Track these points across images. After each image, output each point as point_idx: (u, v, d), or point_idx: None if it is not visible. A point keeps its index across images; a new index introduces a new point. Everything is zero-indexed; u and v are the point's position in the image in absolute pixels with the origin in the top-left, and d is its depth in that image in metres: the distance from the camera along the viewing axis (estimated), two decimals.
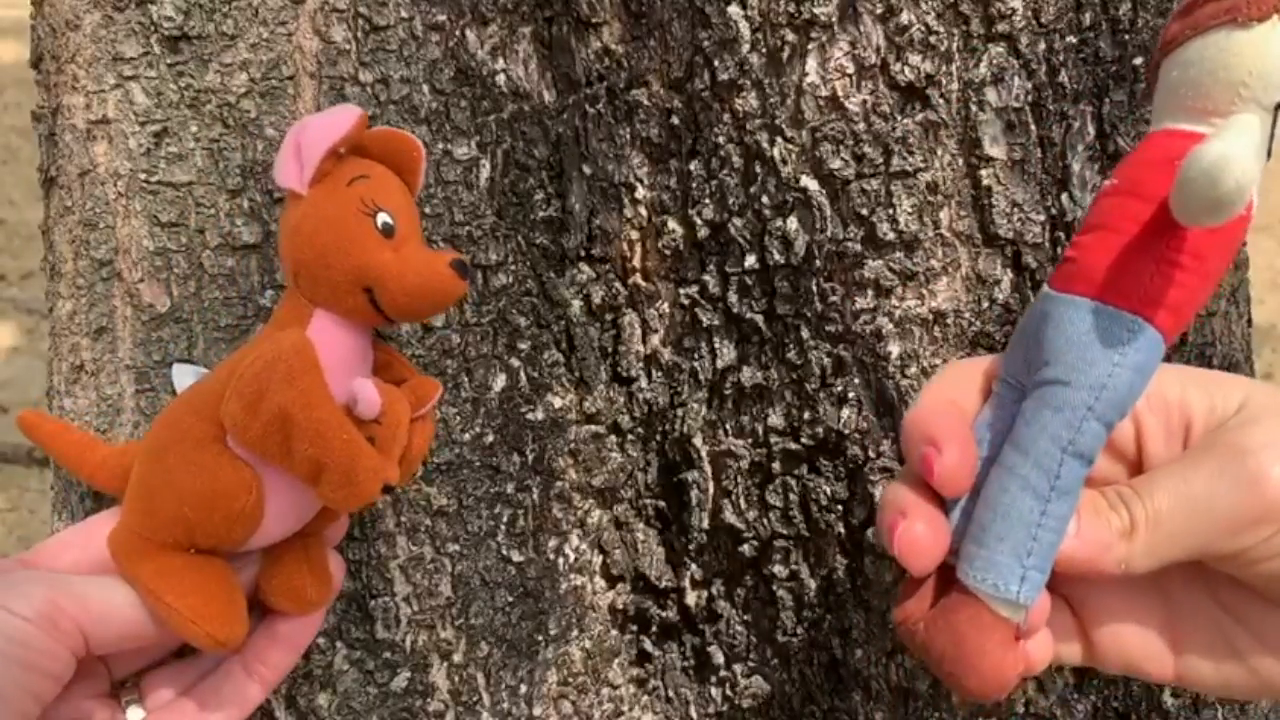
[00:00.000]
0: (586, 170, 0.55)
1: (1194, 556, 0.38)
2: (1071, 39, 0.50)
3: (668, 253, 0.55)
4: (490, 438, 0.54)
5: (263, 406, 0.39)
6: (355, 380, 0.41)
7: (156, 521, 0.42)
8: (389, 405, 0.41)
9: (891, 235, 0.51)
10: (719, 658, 0.58)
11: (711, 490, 0.56)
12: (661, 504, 0.58)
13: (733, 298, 0.54)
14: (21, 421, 0.49)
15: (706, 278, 0.54)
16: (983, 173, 0.51)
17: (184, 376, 0.48)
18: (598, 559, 0.58)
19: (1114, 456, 0.41)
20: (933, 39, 0.49)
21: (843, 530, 0.54)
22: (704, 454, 0.56)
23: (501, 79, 0.53)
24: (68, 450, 0.48)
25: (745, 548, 0.56)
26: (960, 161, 0.51)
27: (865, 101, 0.50)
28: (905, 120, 0.50)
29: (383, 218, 0.41)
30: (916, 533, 0.39)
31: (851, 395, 0.52)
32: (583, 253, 0.56)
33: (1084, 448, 0.38)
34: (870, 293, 0.51)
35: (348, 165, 0.41)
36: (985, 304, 0.51)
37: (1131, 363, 0.38)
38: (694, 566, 0.57)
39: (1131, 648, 0.43)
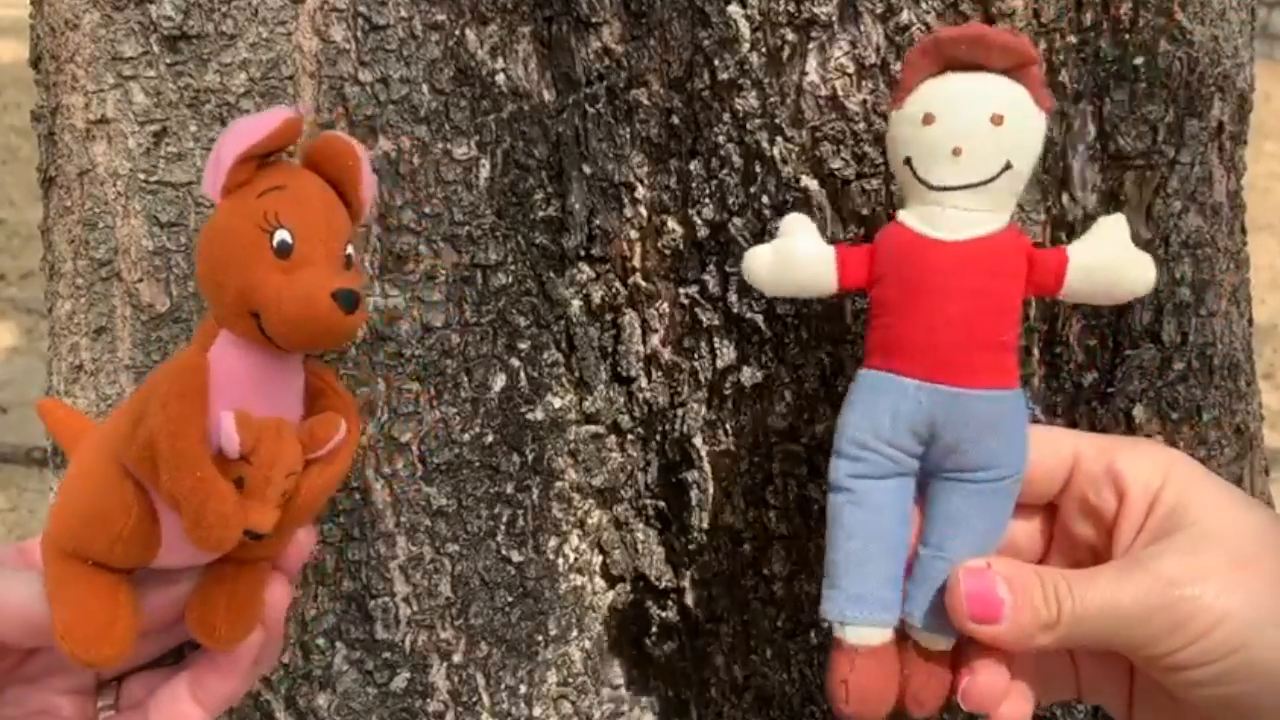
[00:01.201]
0: (586, 170, 0.54)
1: (1104, 650, 0.42)
2: (1072, 38, 0.50)
3: (668, 253, 0.55)
4: (490, 438, 0.54)
5: (139, 429, 0.36)
6: (221, 413, 0.37)
7: (57, 528, 0.40)
8: (261, 443, 0.37)
9: None
10: (719, 658, 0.58)
11: (711, 490, 0.56)
12: (661, 504, 0.58)
13: (733, 298, 0.54)
14: (40, 408, 0.49)
15: (706, 278, 0.54)
16: None
17: None
18: (598, 559, 0.58)
19: (1093, 521, 0.43)
20: None
21: None
22: (704, 454, 0.56)
23: (501, 78, 0.53)
24: (73, 440, 0.47)
25: (745, 548, 0.56)
26: None
27: (865, 101, 0.50)
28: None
29: (280, 235, 0.37)
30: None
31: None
32: (583, 253, 0.55)
33: None
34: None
35: (268, 174, 0.38)
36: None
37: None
38: (694, 566, 0.57)
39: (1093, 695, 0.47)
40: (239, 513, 0.37)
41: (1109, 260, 0.41)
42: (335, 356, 0.50)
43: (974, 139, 0.40)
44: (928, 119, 0.40)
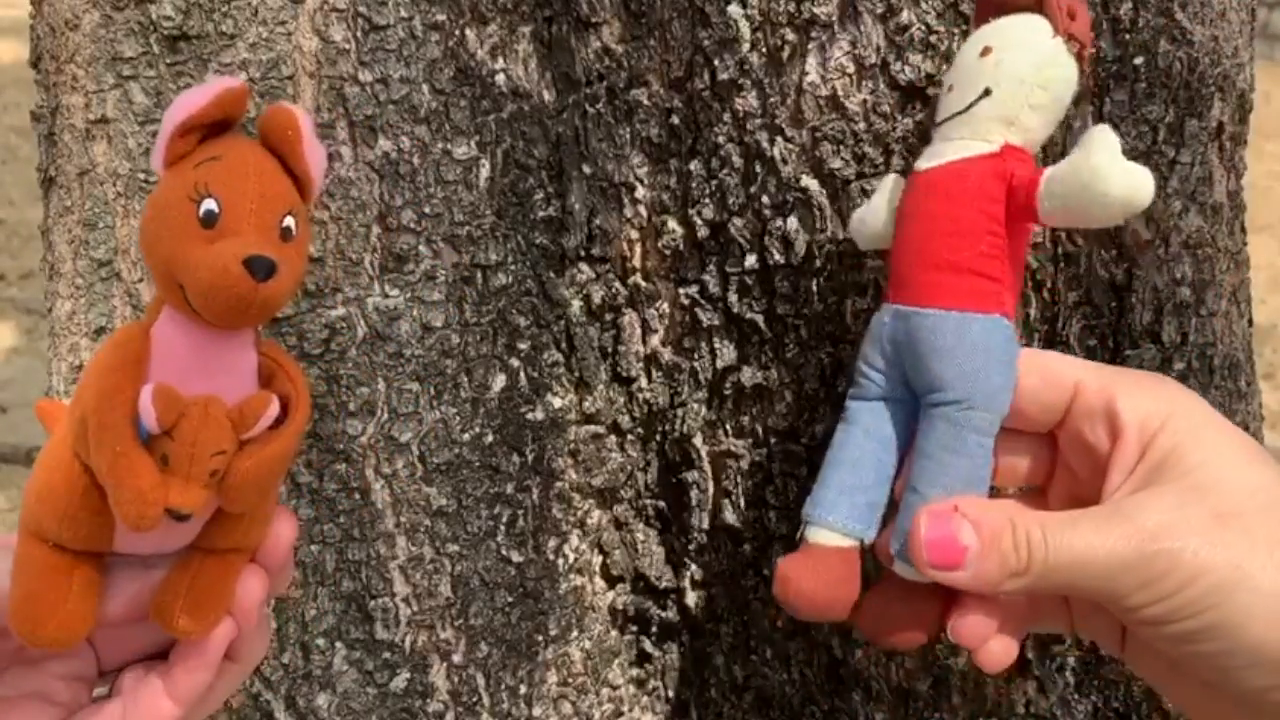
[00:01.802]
0: (586, 170, 0.54)
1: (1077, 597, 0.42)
2: None
3: (668, 253, 0.55)
4: (490, 438, 0.54)
5: (76, 402, 0.36)
6: (142, 388, 0.36)
7: (23, 510, 0.39)
8: (184, 419, 0.36)
9: None
10: (719, 658, 0.58)
11: (711, 490, 0.56)
12: (661, 504, 0.58)
13: (733, 298, 0.54)
14: (38, 409, 0.49)
15: (706, 278, 0.54)
16: None
17: None
18: (598, 559, 0.58)
19: (1088, 459, 0.42)
20: (933, 39, 0.49)
21: None
22: (704, 454, 0.56)
23: (501, 79, 0.53)
24: None
25: (745, 548, 0.56)
26: None
27: (865, 101, 0.50)
28: (905, 120, 0.50)
29: (207, 205, 0.36)
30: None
31: (849, 397, 0.52)
32: (583, 253, 0.55)
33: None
34: (870, 293, 0.51)
35: (210, 145, 0.37)
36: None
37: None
38: (694, 566, 0.57)
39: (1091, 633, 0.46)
40: (157, 490, 0.36)
41: (1077, 168, 0.39)
42: (336, 355, 0.50)
43: (963, 73, 0.42)
44: (947, 67, 0.43)
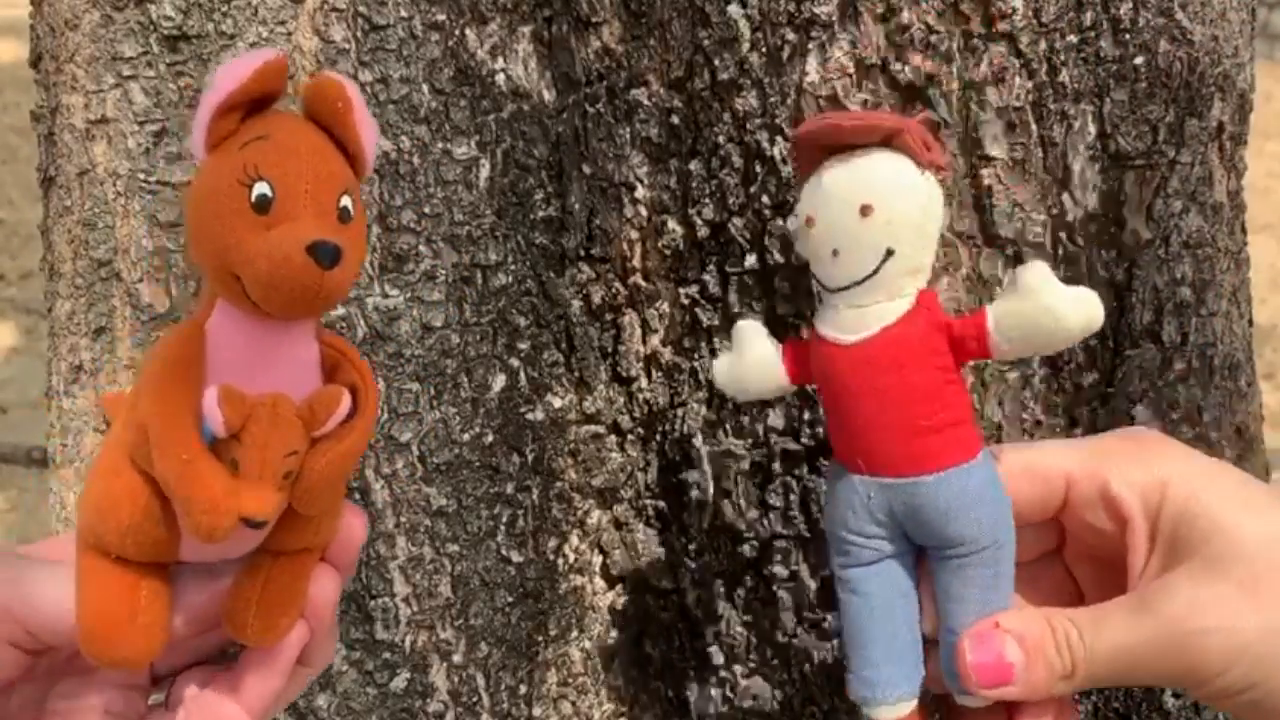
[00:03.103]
0: (586, 170, 0.54)
1: None
2: (1072, 38, 0.50)
3: (668, 253, 0.55)
4: (490, 438, 0.54)
5: (134, 410, 0.34)
6: (206, 390, 0.34)
7: (79, 521, 0.37)
8: (253, 421, 0.34)
9: None
10: (719, 658, 0.58)
11: (711, 490, 0.56)
12: (661, 504, 0.58)
13: (733, 298, 0.54)
14: (105, 402, 0.48)
15: (706, 278, 0.54)
16: (984, 172, 0.50)
17: None
18: (598, 559, 0.58)
19: (1101, 539, 0.42)
20: (933, 39, 0.49)
21: None
22: (704, 454, 0.56)
23: (501, 78, 0.53)
24: None
25: (745, 548, 0.56)
26: (961, 161, 0.51)
27: (865, 101, 0.50)
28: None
29: (259, 189, 0.33)
30: None
31: None
32: (583, 253, 0.55)
33: None
34: None
35: (254, 124, 0.35)
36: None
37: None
38: (694, 567, 0.57)
39: None
40: (230, 498, 0.33)
41: (1028, 316, 0.39)
42: None
43: (847, 236, 0.39)
44: (809, 222, 0.40)
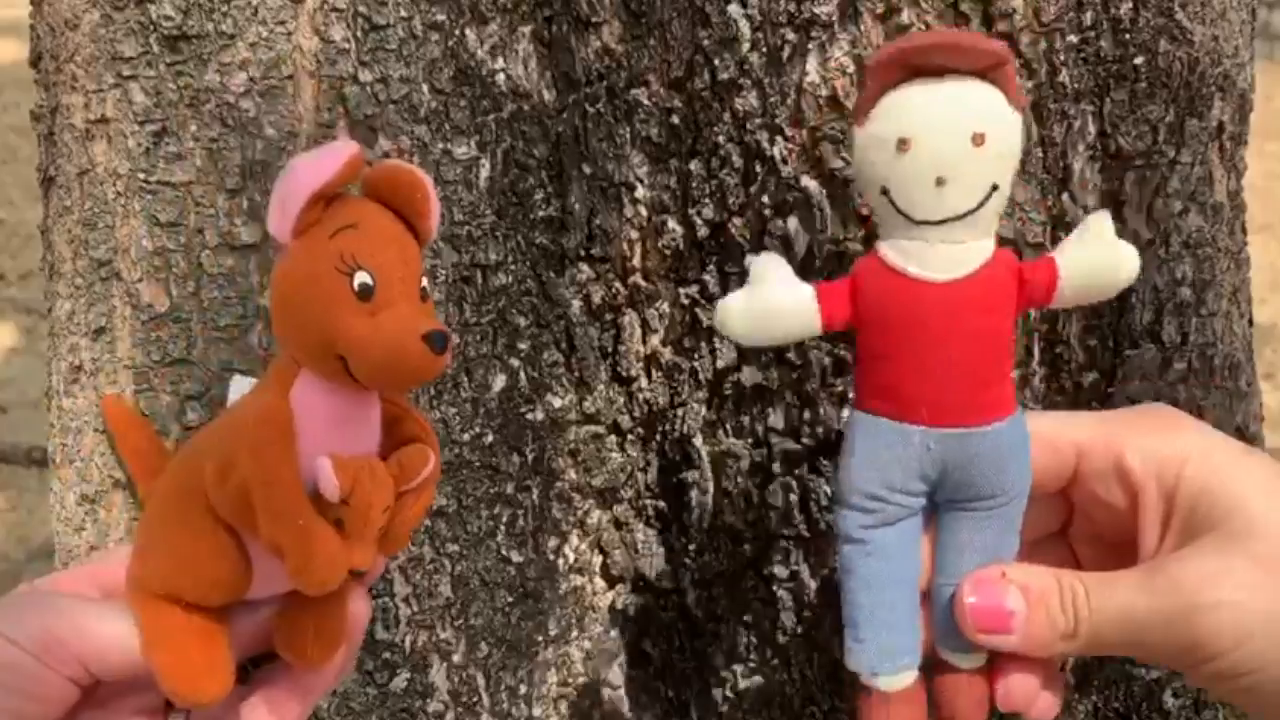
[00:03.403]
0: (586, 170, 0.54)
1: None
2: (1072, 38, 0.50)
3: (668, 253, 0.55)
4: (490, 438, 0.54)
5: (230, 477, 0.37)
6: (317, 459, 0.37)
7: (146, 570, 0.40)
8: (357, 485, 0.38)
9: None
10: (719, 658, 0.58)
11: (711, 490, 0.56)
12: (661, 504, 0.58)
13: None
14: (105, 405, 0.49)
15: (706, 278, 0.54)
16: None
17: (240, 387, 0.47)
18: (598, 559, 0.58)
19: (1109, 514, 0.42)
20: None
21: None
22: (704, 454, 0.56)
23: (501, 78, 0.53)
24: (133, 451, 0.48)
25: (745, 548, 0.56)
26: None
27: None
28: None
29: (361, 278, 0.36)
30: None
31: (851, 395, 0.52)
32: (583, 253, 0.55)
33: None
34: None
35: (338, 211, 0.38)
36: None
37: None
38: (694, 566, 0.57)
39: None
40: (344, 554, 0.37)
41: (1097, 263, 0.39)
42: None
43: (957, 166, 0.37)
44: (903, 145, 0.37)
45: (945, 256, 0.38)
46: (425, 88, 0.51)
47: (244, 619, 0.42)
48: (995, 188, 0.37)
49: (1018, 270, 0.39)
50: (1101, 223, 0.39)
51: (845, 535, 0.41)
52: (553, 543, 0.56)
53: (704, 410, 0.55)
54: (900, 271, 0.38)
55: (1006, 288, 0.39)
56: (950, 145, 0.37)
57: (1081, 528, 0.44)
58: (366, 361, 0.36)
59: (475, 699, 0.54)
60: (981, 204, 0.37)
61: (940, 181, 0.37)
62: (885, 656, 0.41)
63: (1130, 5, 0.50)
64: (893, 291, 0.38)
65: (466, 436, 0.53)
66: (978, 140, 0.37)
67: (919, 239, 0.38)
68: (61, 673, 0.38)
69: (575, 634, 0.58)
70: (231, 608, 0.41)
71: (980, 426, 0.39)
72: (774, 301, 0.40)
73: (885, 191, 0.38)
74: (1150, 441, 0.40)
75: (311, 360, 0.38)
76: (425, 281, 0.39)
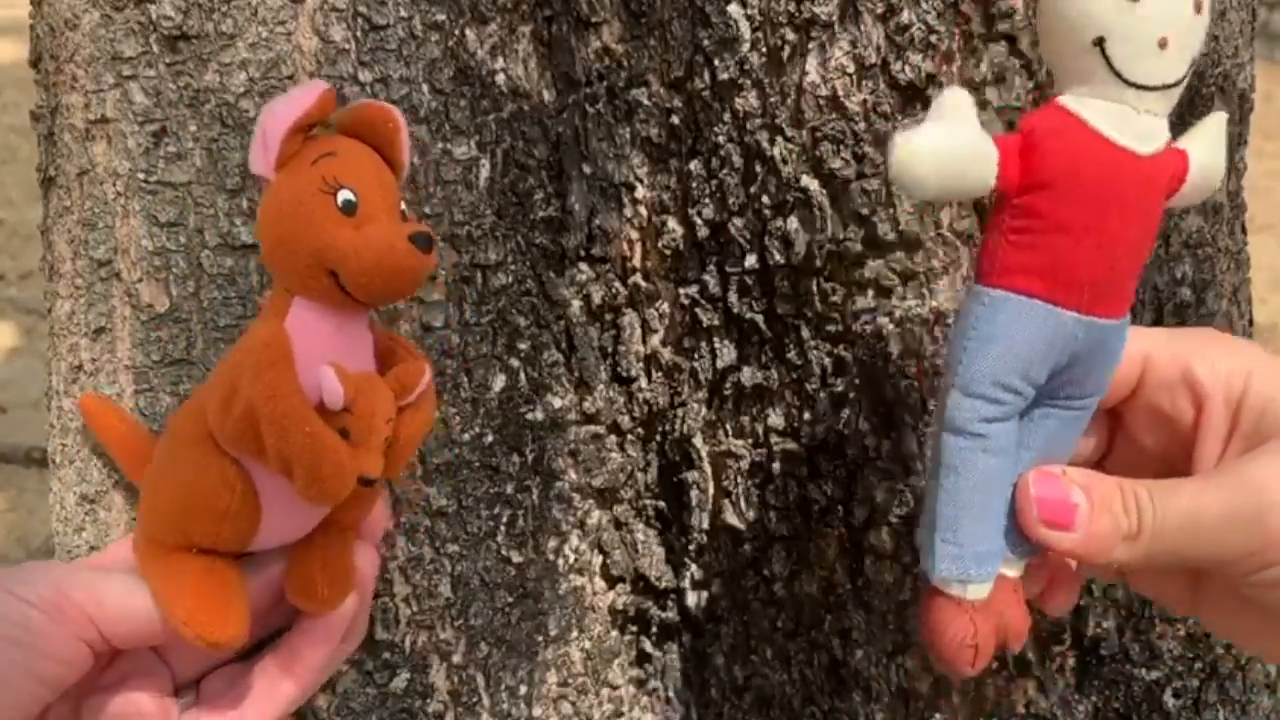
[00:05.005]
0: (586, 170, 0.54)
1: (1189, 567, 0.39)
2: None
3: (668, 253, 0.55)
4: (490, 438, 0.54)
5: (234, 403, 0.38)
6: (320, 368, 0.39)
7: (156, 521, 0.41)
8: (359, 394, 0.39)
9: (892, 235, 0.50)
10: (719, 658, 0.58)
11: (711, 490, 0.56)
12: (661, 504, 0.58)
13: (733, 298, 0.54)
14: (84, 404, 0.49)
15: (706, 278, 0.54)
16: None
17: None
18: (598, 559, 0.58)
19: (1167, 431, 0.41)
20: (933, 38, 0.49)
21: (843, 530, 0.54)
22: (704, 454, 0.56)
23: (501, 78, 0.53)
24: (119, 445, 0.48)
25: (745, 548, 0.56)
26: None
27: (865, 101, 0.50)
28: (906, 120, 0.50)
29: (344, 195, 0.39)
30: None
31: (851, 395, 0.52)
32: (583, 253, 0.55)
33: None
34: (870, 293, 0.51)
35: (316, 144, 0.40)
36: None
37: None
38: (694, 566, 0.57)
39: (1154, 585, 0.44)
40: (352, 461, 0.38)
41: (1210, 167, 0.37)
42: None
43: (1179, 28, 0.34)
44: None
45: (1146, 128, 0.35)
46: (425, 88, 0.51)
47: (255, 575, 0.43)
48: (1194, 63, 0.35)
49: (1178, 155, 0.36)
50: (1221, 125, 0.37)
51: (960, 428, 0.37)
52: (552, 543, 0.56)
53: (704, 410, 0.55)
54: (1104, 136, 0.34)
55: (1179, 172, 0.36)
56: (1177, 6, 0.34)
57: (1119, 459, 0.43)
58: (357, 269, 0.38)
59: (475, 699, 0.54)
60: (1185, 75, 0.35)
61: (1163, 44, 0.34)
62: (980, 561, 0.38)
63: None
64: (1091, 154, 0.35)
65: (466, 437, 0.53)
66: (1198, 7, 0.34)
67: (1128, 105, 0.35)
68: (74, 632, 0.39)
69: (575, 634, 0.58)
70: (242, 561, 0.42)
71: (1120, 319, 0.37)
72: (961, 144, 0.35)
73: (1100, 42, 0.34)
74: (1216, 353, 0.39)
75: (303, 282, 0.39)
76: (404, 206, 0.42)
